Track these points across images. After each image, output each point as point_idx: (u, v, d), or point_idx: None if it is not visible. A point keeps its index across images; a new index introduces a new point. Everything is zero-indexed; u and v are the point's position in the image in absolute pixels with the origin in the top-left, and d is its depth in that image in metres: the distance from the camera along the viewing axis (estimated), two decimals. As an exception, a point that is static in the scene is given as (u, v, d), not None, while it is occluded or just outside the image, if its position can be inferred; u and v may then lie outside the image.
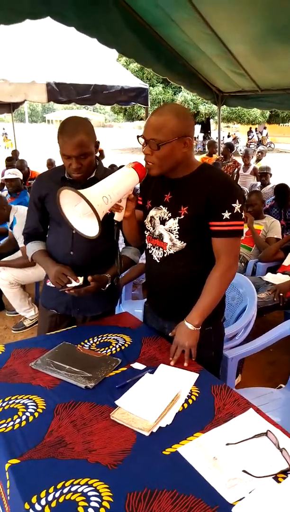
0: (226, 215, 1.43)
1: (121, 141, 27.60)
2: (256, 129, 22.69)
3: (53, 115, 45.17)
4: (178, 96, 19.47)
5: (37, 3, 3.24)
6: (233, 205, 1.44)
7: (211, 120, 22.19)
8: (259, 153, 8.15)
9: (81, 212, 1.36)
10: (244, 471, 1.04)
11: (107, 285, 1.82)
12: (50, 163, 6.93)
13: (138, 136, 1.47)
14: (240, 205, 1.45)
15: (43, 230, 1.95)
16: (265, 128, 23.29)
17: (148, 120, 1.45)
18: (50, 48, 4.76)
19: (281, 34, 3.73)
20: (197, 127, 22.91)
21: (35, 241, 1.94)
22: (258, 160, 7.79)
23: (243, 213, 1.48)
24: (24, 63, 4.26)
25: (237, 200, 1.45)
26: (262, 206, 3.92)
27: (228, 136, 20.84)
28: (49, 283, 1.91)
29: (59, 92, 4.27)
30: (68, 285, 1.73)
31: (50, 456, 1.11)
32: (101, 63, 5.03)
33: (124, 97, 4.86)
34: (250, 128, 22.37)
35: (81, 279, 1.73)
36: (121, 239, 1.74)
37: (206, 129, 22.09)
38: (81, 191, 1.28)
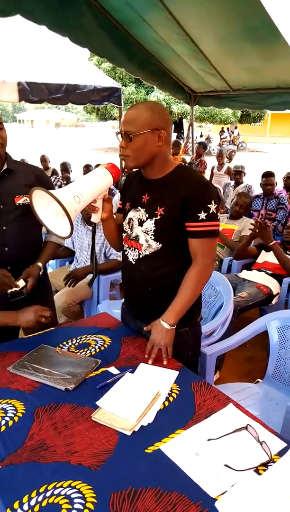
0: (202, 215, 1.45)
1: (94, 141, 27.45)
2: (228, 128, 23.00)
3: (24, 115, 44.49)
4: (150, 96, 19.54)
5: (8, 1, 3.19)
6: (209, 205, 1.45)
7: (184, 120, 22.34)
8: (232, 153, 8.28)
9: (53, 212, 1.35)
10: (225, 465, 1.05)
11: (41, 273, 1.87)
12: (44, 159, 6.83)
13: (116, 133, 1.48)
14: (216, 205, 1.47)
15: None
16: (236, 127, 23.62)
17: (123, 116, 1.48)
18: (21, 47, 4.68)
19: (251, 35, 3.80)
20: (170, 127, 23.04)
21: None
22: (229, 159, 7.90)
23: (218, 213, 1.50)
24: (-6, 62, 4.20)
25: (213, 201, 1.46)
26: (248, 210, 4.01)
27: (201, 136, 21.02)
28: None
29: (31, 92, 4.21)
30: (9, 291, 1.75)
31: (31, 460, 1.10)
32: (73, 63, 4.98)
33: (97, 96, 4.84)
34: (222, 128, 22.64)
35: (21, 282, 1.76)
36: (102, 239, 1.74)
37: (179, 129, 22.22)
38: (52, 191, 1.27)
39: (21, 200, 1.82)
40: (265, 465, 1.06)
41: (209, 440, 1.14)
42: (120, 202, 1.69)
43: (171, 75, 5.44)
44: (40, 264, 1.88)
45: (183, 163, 1.67)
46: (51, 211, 1.37)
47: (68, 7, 3.68)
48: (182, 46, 4.51)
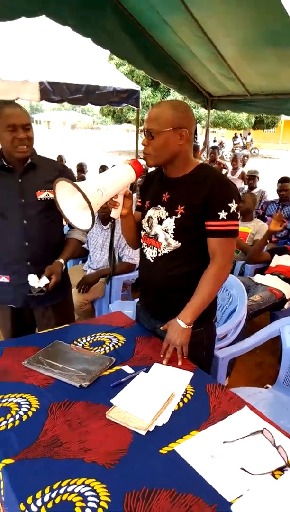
0: (223, 215, 1.44)
1: (108, 143, 27.59)
2: (241, 134, 22.91)
3: (41, 116, 44.91)
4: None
5: (33, 1, 3.23)
6: (230, 204, 1.44)
7: (198, 125, 22.32)
8: (245, 158, 8.25)
9: (76, 204, 1.35)
10: (242, 469, 1.04)
11: (63, 269, 1.86)
12: (61, 159, 6.88)
13: (140, 131, 1.49)
14: (236, 205, 1.46)
15: None
16: (249, 133, 23.52)
17: (148, 113, 1.47)
18: (44, 47, 4.72)
19: (271, 40, 3.79)
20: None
21: None
22: (243, 164, 7.88)
23: (238, 213, 1.48)
24: (17, 61, 4.22)
25: (234, 200, 1.45)
26: (253, 208, 3.96)
27: (214, 141, 20.96)
28: (2, 279, 1.88)
29: (52, 91, 4.23)
30: (32, 285, 1.76)
31: (45, 456, 1.09)
32: (94, 64, 5.01)
33: (116, 98, 4.85)
34: (235, 133, 22.56)
35: (44, 280, 1.77)
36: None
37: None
38: (77, 183, 1.27)
39: (43, 195, 1.82)
40: (281, 469, 1.04)
41: (224, 442, 1.13)
42: (139, 200, 1.69)
43: (189, 78, 5.44)
44: (62, 260, 1.87)
45: (204, 162, 1.66)
46: (73, 203, 1.37)
47: (93, 8, 3.72)
48: (202, 49, 4.52)
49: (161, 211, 1.54)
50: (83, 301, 3.00)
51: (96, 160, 10.08)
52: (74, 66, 4.76)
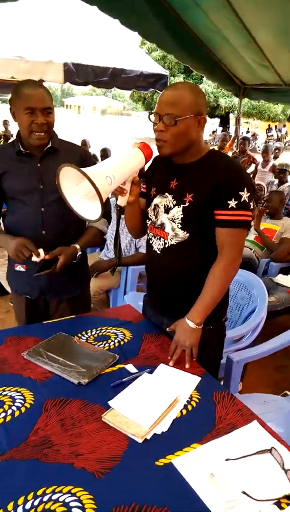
0: (232, 203, 1.33)
1: (138, 129, 27.34)
2: (276, 126, 22.27)
3: (72, 100, 45.00)
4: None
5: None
6: (241, 193, 1.33)
7: (231, 115, 21.83)
8: (276, 150, 7.97)
9: (82, 193, 1.25)
10: (243, 492, 0.94)
11: (78, 255, 1.75)
12: (84, 143, 6.84)
13: (149, 114, 1.36)
14: (249, 194, 1.34)
15: None
16: (284, 126, 22.84)
17: (161, 95, 1.35)
18: (70, 27, 4.59)
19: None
20: (216, 121, 22.59)
21: None
22: (275, 157, 7.61)
23: (251, 203, 1.36)
24: (42, 41, 4.11)
25: (245, 188, 1.34)
26: (281, 206, 3.78)
27: (247, 132, 20.48)
28: (18, 268, 1.79)
29: (76, 73, 4.11)
30: (33, 259, 1.65)
31: (33, 457, 1.02)
32: (122, 47, 4.86)
33: (143, 82, 4.69)
34: (269, 125, 21.95)
35: (41, 251, 1.64)
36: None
37: (224, 123, 21.76)
38: (84, 169, 1.17)
39: None
40: (289, 498, 0.94)
41: (227, 460, 1.03)
42: (144, 186, 1.57)
43: (221, 65, 5.23)
44: (77, 246, 1.76)
45: (215, 149, 1.53)
46: (79, 192, 1.27)
47: (121, -13, 3.57)
48: (235, 35, 4.31)
49: (168, 199, 1.44)
50: (98, 290, 2.93)
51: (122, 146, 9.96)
52: (101, 48, 4.62)
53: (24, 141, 1.69)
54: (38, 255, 1.64)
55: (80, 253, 1.76)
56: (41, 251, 1.64)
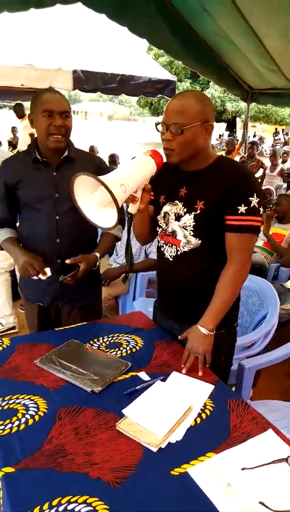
0: (242, 209, 1.33)
1: (144, 135, 27.43)
2: (283, 130, 22.22)
3: (79, 106, 45.25)
4: (205, 92, 19.19)
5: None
6: (250, 198, 1.33)
7: (238, 119, 21.84)
8: (284, 154, 7.93)
9: (97, 201, 1.26)
10: (261, 502, 0.93)
11: (98, 263, 1.75)
12: (92, 149, 6.87)
13: (157, 123, 1.37)
14: (258, 199, 1.35)
15: (12, 219, 1.81)
16: (292, 129, 22.81)
17: (168, 105, 1.35)
18: (78, 35, 4.65)
19: None
20: (223, 125, 22.59)
21: (4, 228, 1.80)
22: (284, 161, 7.58)
23: (261, 208, 1.37)
24: (51, 48, 4.17)
25: (255, 194, 1.34)
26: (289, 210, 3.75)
27: (254, 136, 20.43)
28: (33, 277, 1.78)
29: (85, 80, 4.15)
30: (40, 277, 1.65)
31: (48, 466, 1.02)
32: (130, 54, 4.90)
33: (151, 88, 4.72)
34: (276, 129, 21.90)
35: (48, 270, 1.65)
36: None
37: (231, 127, 21.75)
38: (100, 177, 1.17)
39: None
40: (307, 508, 0.93)
41: (243, 469, 1.02)
42: (152, 194, 1.58)
43: (229, 70, 5.26)
44: (97, 254, 1.75)
45: (223, 155, 1.53)
46: (94, 200, 1.28)
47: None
48: (244, 40, 4.33)
49: (179, 207, 1.44)
50: (107, 296, 2.92)
51: (130, 151, 10.00)
52: (109, 55, 4.66)
53: (41, 146, 1.70)
54: (44, 274, 1.64)
55: (99, 261, 1.76)
56: (47, 270, 1.65)
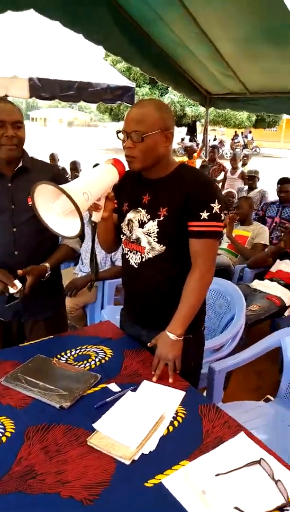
0: (204, 215, 1.36)
1: (105, 141, 27.42)
2: (242, 133, 22.76)
3: (38, 113, 44.67)
4: (165, 97, 19.41)
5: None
6: (212, 205, 1.36)
7: (198, 123, 22.21)
8: (245, 157, 8.12)
9: (60, 210, 1.23)
10: (236, 507, 0.93)
11: (47, 274, 1.71)
12: (53, 158, 6.75)
13: (117, 132, 1.38)
14: (219, 205, 1.38)
15: None
16: (250, 132, 23.37)
17: (128, 113, 1.36)
18: (34, 42, 4.58)
19: (270, 36, 3.68)
20: (184, 130, 22.91)
21: None
22: (244, 164, 7.75)
23: (222, 214, 1.40)
24: (5, 56, 4.09)
25: (217, 200, 1.38)
26: (250, 212, 3.85)
27: (214, 139, 20.83)
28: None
29: (42, 88, 4.10)
30: (10, 291, 1.60)
31: (18, 490, 0.98)
32: (87, 60, 4.88)
33: (109, 95, 4.73)
34: (235, 132, 22.41)
35: (17, 282, 1.61)
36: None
37: (192, 131, 22.10)
38: (62, 186, 1.15)
39: None
40: (281, 509, 0.93)
41: (217, 475, 1.02)
42: (115, 201, 1.57)
43: (186, 76, 5.34)
44: (47, 264, 1.72)
45: (184, 162, 1.56)
46: (56, 209, 1.25)
47: (83, 2, 3.59)
48: (199, 46, 4.41)
49: (142, 214, 1.45)
50: (74, 306, 2.88)
51: (91, 158, 9.95)
52: (66, 62, 4.62)
53: None
54: (13, 286, 1.60)
55: (49, 272, 1.72)
56: (17, 282, 1.60)
